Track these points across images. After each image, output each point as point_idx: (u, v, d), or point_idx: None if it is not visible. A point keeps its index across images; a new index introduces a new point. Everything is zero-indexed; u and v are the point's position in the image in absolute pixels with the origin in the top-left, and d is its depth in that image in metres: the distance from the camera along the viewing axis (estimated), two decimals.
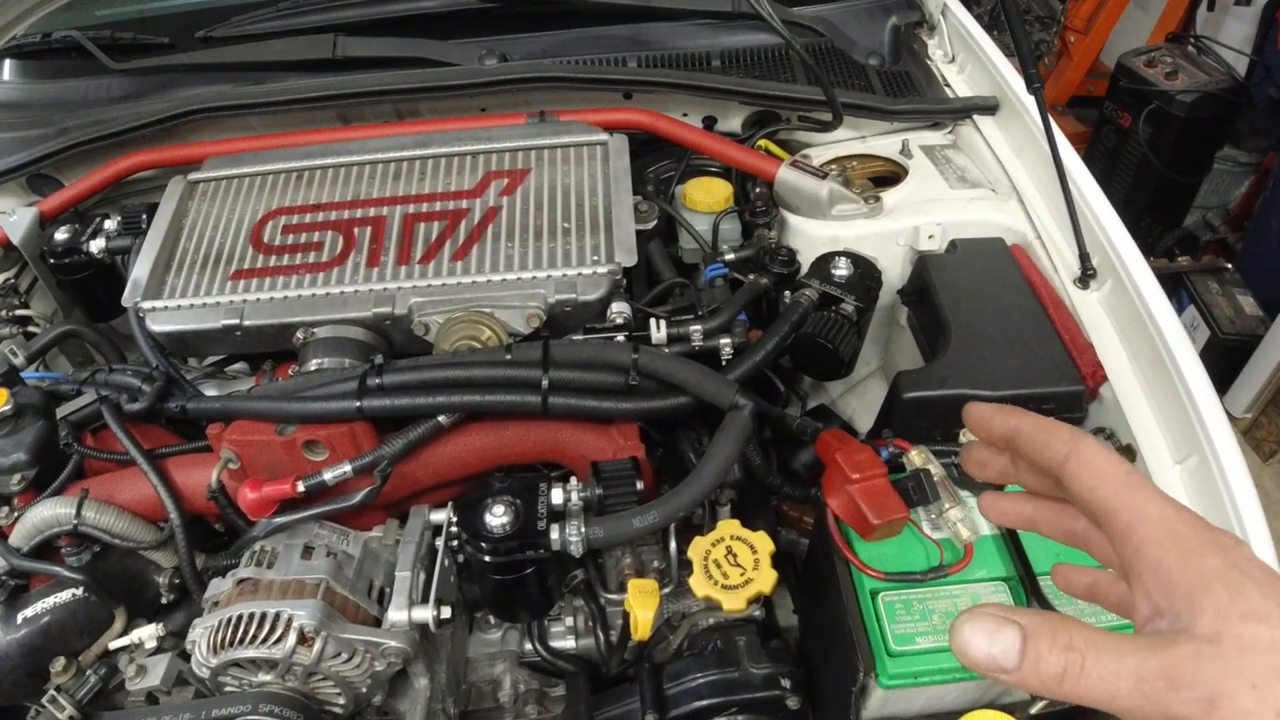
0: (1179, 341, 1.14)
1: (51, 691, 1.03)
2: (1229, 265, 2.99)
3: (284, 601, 0.97)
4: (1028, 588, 0.95)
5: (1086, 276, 1.29)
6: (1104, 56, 3.70)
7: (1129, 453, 1.12)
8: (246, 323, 1.21)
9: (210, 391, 1.27)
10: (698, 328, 1.15)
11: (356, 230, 1.30)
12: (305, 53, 1.56)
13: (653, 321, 1.15)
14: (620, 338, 1.14)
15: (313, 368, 1.17)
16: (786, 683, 1.04)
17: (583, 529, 0.98)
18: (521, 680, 1.17)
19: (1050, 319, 1.24)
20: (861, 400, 1.49)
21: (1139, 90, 3.07)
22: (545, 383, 1.03)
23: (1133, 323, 1.21)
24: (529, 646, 1.19)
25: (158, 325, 1.24)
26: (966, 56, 1.71)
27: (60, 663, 1.07)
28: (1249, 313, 2.80)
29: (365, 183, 1.38)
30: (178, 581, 1.16)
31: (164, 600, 1.18)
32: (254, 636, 0.95)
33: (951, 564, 0.96)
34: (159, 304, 1.25)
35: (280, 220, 1.34)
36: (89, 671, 1.07)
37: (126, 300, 1.25)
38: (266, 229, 1.33)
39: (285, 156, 1.43)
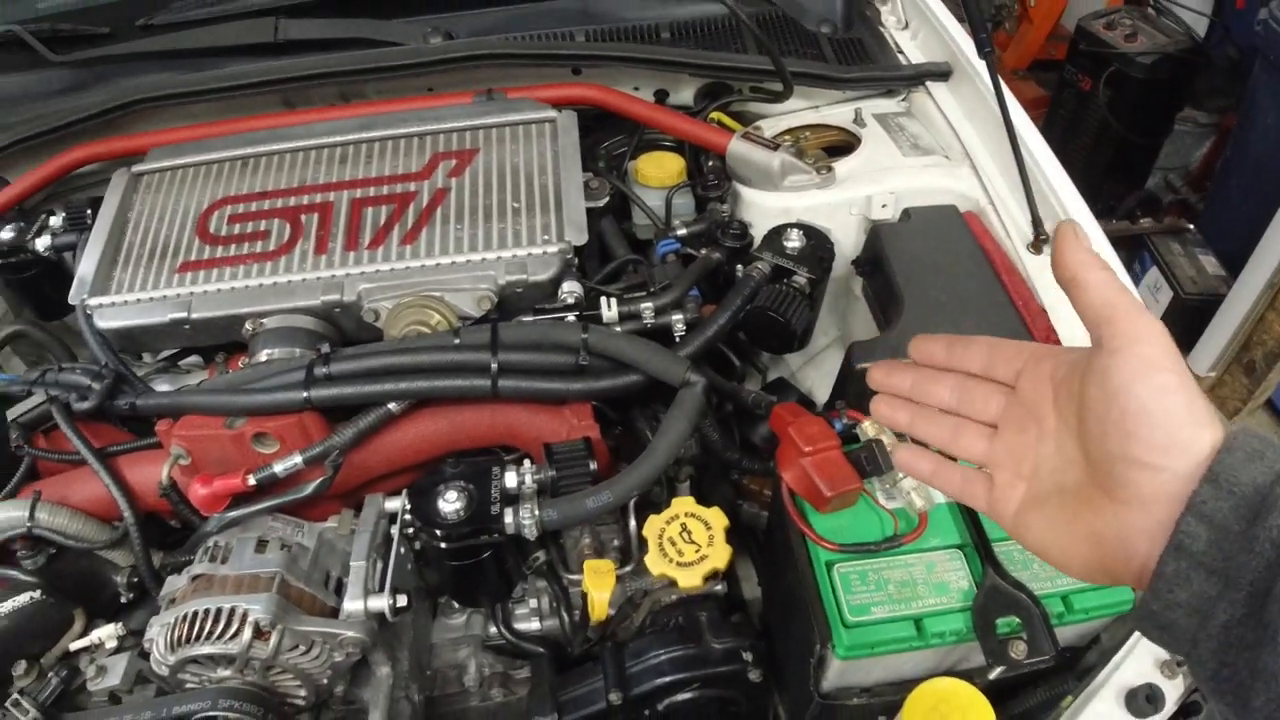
0: None
1: (14, 695, 1.02)
2: (1191, 226, 3.00)
3: (238, 596, 0.97)
4: (982, 554, 0.95)
5: (1039, 241, 1.29)
6: (1064, 20, 3.69)
7: None
8: (194, 316, 1.19)
9: (162, 386, 1.25)
10: (649, 305, 1.14)
11: (303, 217, 1.28)
12: (247, 37, 1.52)
13: (603, 300, 1.14)
14: (571, 317, 1.13)
15: (262, 358, 1.16)
16: (748, 656, 1.04)
17: (536, 511, 0.98)
18: (486, 664, 1.17)
19: (1003, 285, 1.24)
20: (820, 371, 1.49)
21: (1098, 53, 3.06)
22: (494, 366, 1.03)
23: None
24: (493, 630, 1.18)
25: (105, 322, 1.22)
26: (919, 22, 1.70)
27: (21, 666, 1.06)
28: (1211, 272, 2.83)
29: (311, 168, 1.35)
30: (135, 580, 1.15)
31: (123, 599, 1.16)
32: (209, 632, 0.95)
33: (906, 533, 0.96)
34: (106, 300, 1.23)
35: (226, 210, 1.32)
36: (50, 674, 1.06)
37: (73, 297, 1.23)
38: (212, 219, 1.31)
39: (230, 144, 1.40)
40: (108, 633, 1.09)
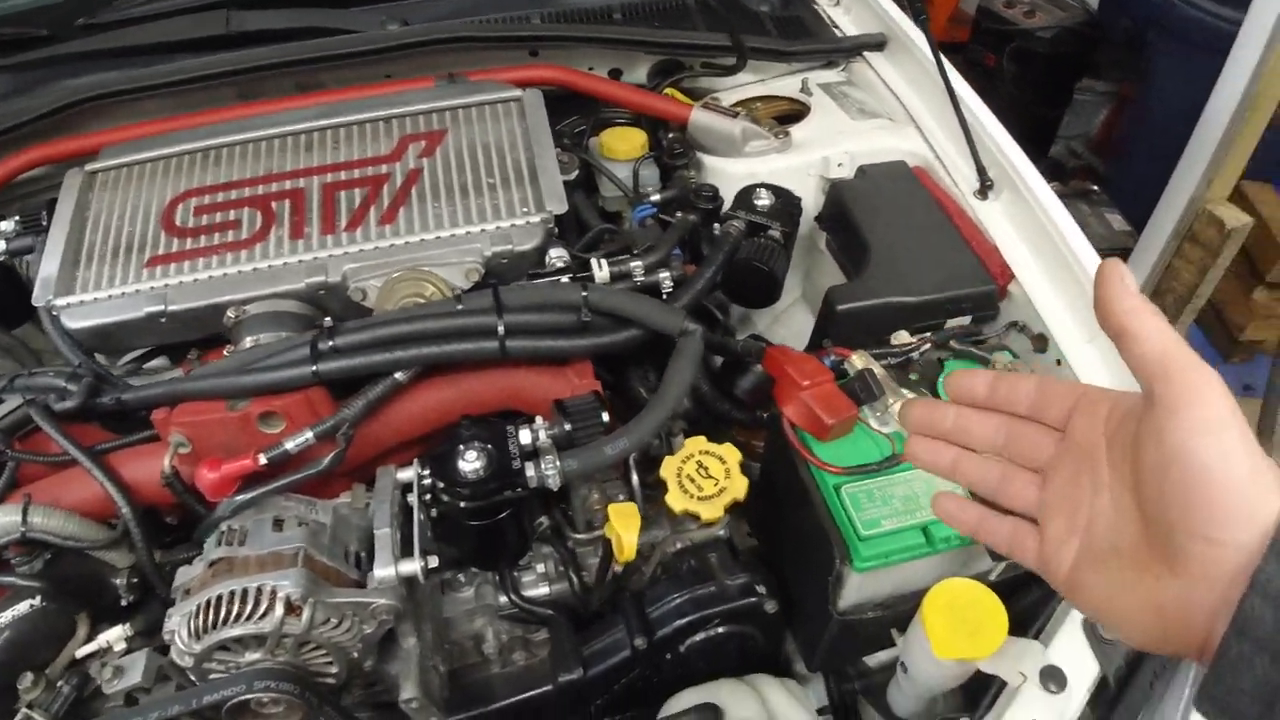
0: (1073, 234, 1.25)
1: (23, 710, 0.99)
2: (1095, 188, 3.21)
3: (264, 575, 0.95)
4: None
5: (985, 188, 1.39)
6: (964, 4, 3.89)
7: (1042, 341, 1.22)
8: (172, 308, 1.17)
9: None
10: (638, 263, 1.18)
11: (274, 204, 1.27)
12: (196, 31, 1.50)
13: (594, 261, 1.18)
14: (565, 280, 1.16)
15: (248, 344, 1.15)
16: (761, 588, 1.09)
17: (557, 462, 1.00)
18: (504, 631, 1.18)
19: (958, 229, 1.33)
20: (789, 329, 1.56)
21: (1000, 30, 3.25)
22: (501, 328, 1.05)
23: (1031, 224, 1.31)
24: (503, 599, 1.20)
25: (74, 322, 1.18)
26: None
27: (28, 678, 1.02)
28: (1118, 229, 3.03)
29: (276, 157, 1.34)
30: (135, 580, 1.12)
31: (124, 602, 1.14)
32: (239, 614, 0.93)
33: (902, 453, 1.03)
34: (73, 300, 1.19)
35: (191, 202, 1.29)
36: (60, 683, 1.03)
37: (37, 299, 1.19)
38: (178, 212, 1.28)
39: (187, 138, 1.37)
40: (115, 635, 1.06)
